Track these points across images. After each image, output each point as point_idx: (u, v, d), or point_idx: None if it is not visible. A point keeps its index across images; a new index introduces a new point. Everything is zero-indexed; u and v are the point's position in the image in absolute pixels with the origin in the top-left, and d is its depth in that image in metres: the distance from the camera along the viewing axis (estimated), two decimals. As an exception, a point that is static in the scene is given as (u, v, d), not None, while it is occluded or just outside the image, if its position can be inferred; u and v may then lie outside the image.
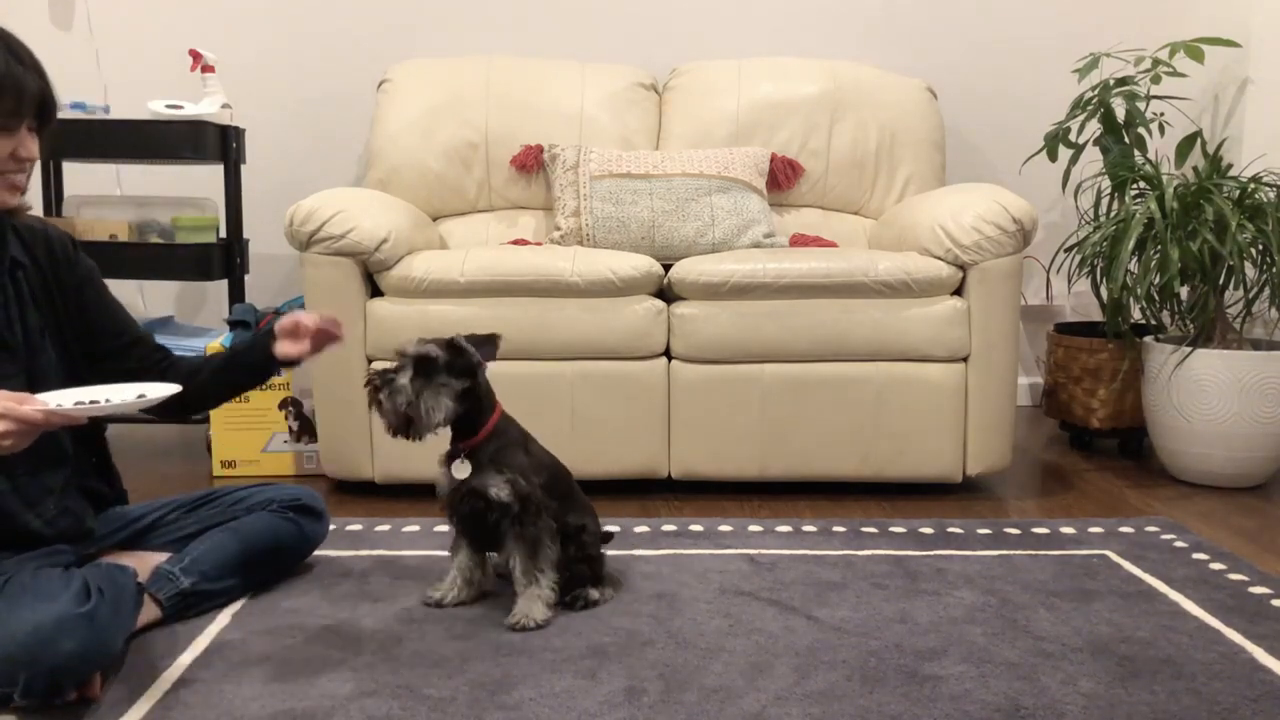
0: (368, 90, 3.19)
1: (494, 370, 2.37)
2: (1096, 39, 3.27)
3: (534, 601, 1.69)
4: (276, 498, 1.86)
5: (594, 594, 1.77)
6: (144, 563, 1.71)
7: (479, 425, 1.72)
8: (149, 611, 1.65)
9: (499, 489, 1.68)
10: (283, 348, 1.70)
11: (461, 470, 1.70)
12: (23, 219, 1.61)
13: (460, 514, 1.75)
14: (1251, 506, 2.39)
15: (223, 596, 1.75)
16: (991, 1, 3.33)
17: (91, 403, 1.47)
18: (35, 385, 1.57)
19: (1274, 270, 2.52)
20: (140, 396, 1.50)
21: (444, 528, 2.19)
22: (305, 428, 2.58)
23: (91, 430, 1.72)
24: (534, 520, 1.69)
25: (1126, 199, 2.74)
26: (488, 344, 1.73)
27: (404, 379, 1.64)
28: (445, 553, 2.03)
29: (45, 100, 1.51)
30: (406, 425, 1.66)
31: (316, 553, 2.00)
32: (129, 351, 1.72)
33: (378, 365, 1.73)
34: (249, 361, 1.76)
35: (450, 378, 1.67)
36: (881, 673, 1.52)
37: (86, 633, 1.36)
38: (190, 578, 1.69)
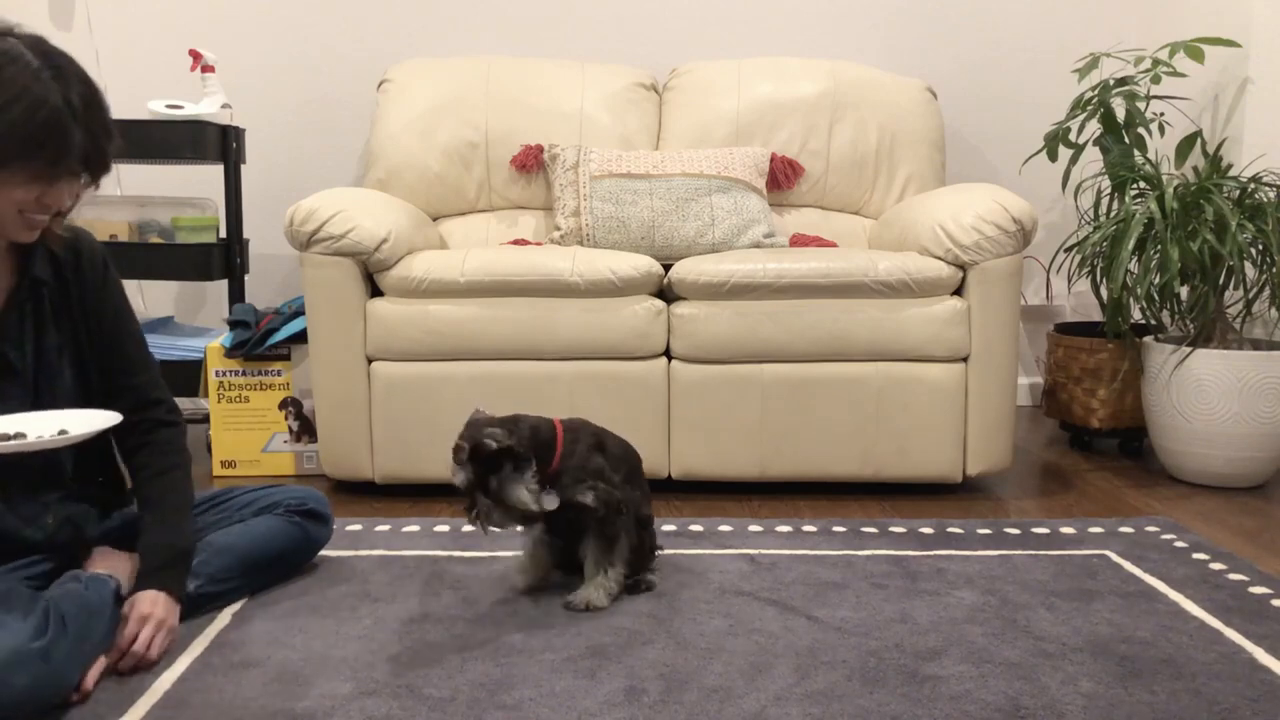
0: (368, 90, 3.19)
1: (493, 370, 2.38)
2: (1096, 39, 3.28)
3: (598, 589, 1.75)
4: (283, 501, 1.85)
5: (653, 579, 1.86)
6: (137, 563, 1.70)
7: (550, 459, 1.74)
8: None
9: (583, 495, 1.73)
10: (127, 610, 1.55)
11: (551, 502, 1.72)
12: (54, 237, 1.56)
13: (552, 523, 1.80)
14: (1251, 506, 2.39)
15: (226, 599, 1.75)
16: (991, 2, 3.33)
17: (16, 436, 1.42)
18: (43, 408, 1.56)
19: (1274, 270, 2.52)
20: (62, 432, 1.44)
21: (444, 528, 2.19)
22: (305, 428, 2.58)
23: (94, 441, 1.71)
24: (615, 519, 1.76)
25: (1126, 199, 2.74)
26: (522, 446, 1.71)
27: (483, 503, 1.67)
28: (444, 552, 2.03)
29: (92, 155, 1.44)
30: (521, 520, 1.72)
31: (319, 552, 2.00)
32: (118, 397, 1.64)
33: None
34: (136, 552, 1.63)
35: (513, 468, 1.68)
36: (881, 673, 1.52)
37: (40, 670, 1.33)
38: (195, 581, 1.68)
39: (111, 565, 1.62)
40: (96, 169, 1.47)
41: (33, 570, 1.55)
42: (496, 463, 1.65)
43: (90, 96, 1.44)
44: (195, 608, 1.69)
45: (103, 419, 1.53)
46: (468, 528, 2.19)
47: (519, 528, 1.77)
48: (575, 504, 1.73)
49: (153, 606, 1.54)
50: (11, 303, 1.55)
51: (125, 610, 1.53)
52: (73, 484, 1.65)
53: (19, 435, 1.44)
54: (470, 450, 1.64)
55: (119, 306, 1.66)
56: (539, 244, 2.80)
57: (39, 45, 1.43)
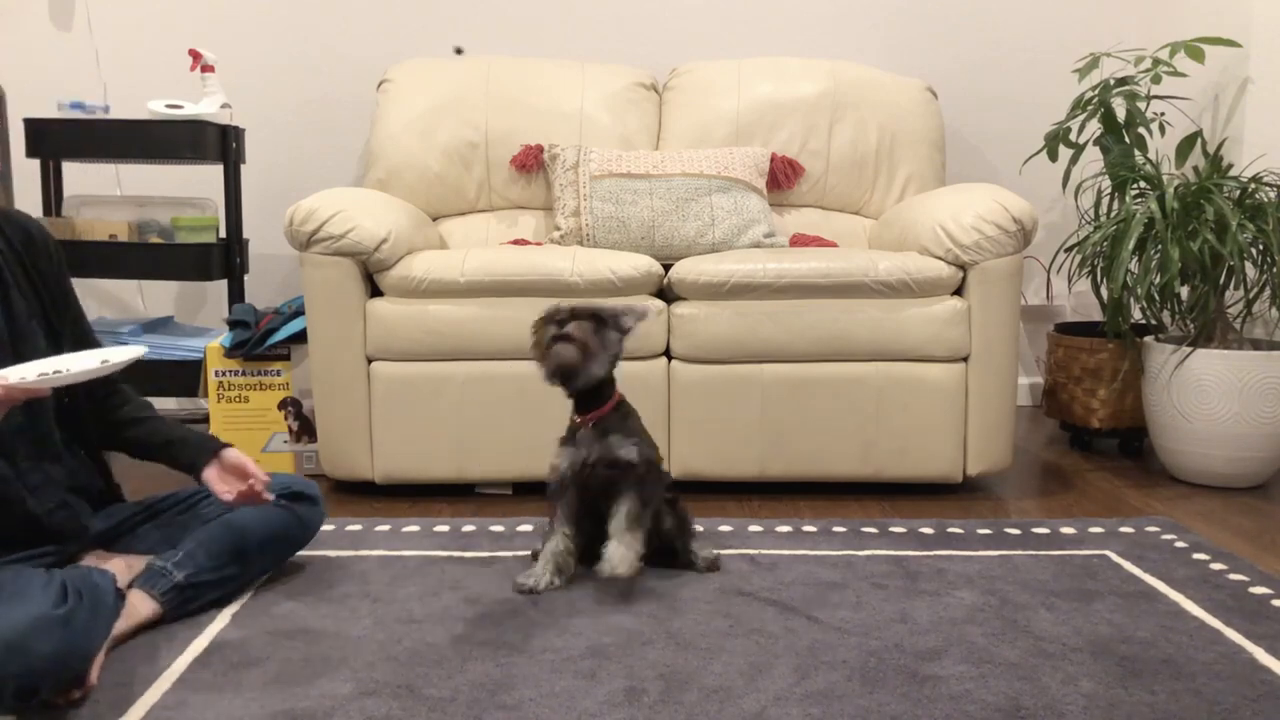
0: (368, 90, 3.19)
1: (493, 370, 2.38)
2: (1096, 39, 3.27)
3: (629, 551, 1.76)
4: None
5: (712, 552, 1.95)
6: (131, 564, 1.71)
7: (605, 398, 1.82)
8: (145, 609, 1.64)
9: (627, 450, 1.78)
10: (211, 478, 1.73)
11: (589, 443, 1.79)
12: (1, 210, 1.63)
13: (591, 487, 1.82)
14: (1251, 506, 2.39)
15: (221, 588, 1.74)
16: (991, 2, 3.33)
17: (55, 373, 1.48)
18: None
19: (1274, 270, 2.52)
20: (104, 362, 1.51)
21: (444, 528, 2.19)
22: (305, 428, 2.58)
23: (77, 431, 1.72)
24: (654, 481, 1.81)
25: (1127, 199, 2.74)
26: (634, 314, 1.83)
27: (580, 331, 1.73)
28: (444, 552, 2.03)
29: None
30: (568, 373, 1.76)
31: (316, 553, 2.00)
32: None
33: (545, 307, 1.81)
34: (178, 457, 1.76)
35: (612, 337, 1.78)
36: (881, 673, 1.52)
37: (63, 635, 1.35)
38: (184, 570, 1.68)
39: (109, 566, 1.63)
40: None
41: (39, 562, 1.56)
42: (601, 325, 1.77)
43: None
44: (190, 600, 1.69)
45: (135, 350, 1.59)
46: (468, 528, 2.19)
47: (564, 384, 1.80)
48: (619, 460, 1.78)
49: (242, 455, 1.74)
50: None
51: (232, 464, 1.72)
52: (68, 472, 1.66)
53: (56, 372, 1.48)
54: (591, 313, 1.75)
55: (65, 272, 1.75)
56: (539, 244, 2.80)
57: None
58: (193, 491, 1.85)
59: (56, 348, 1.67)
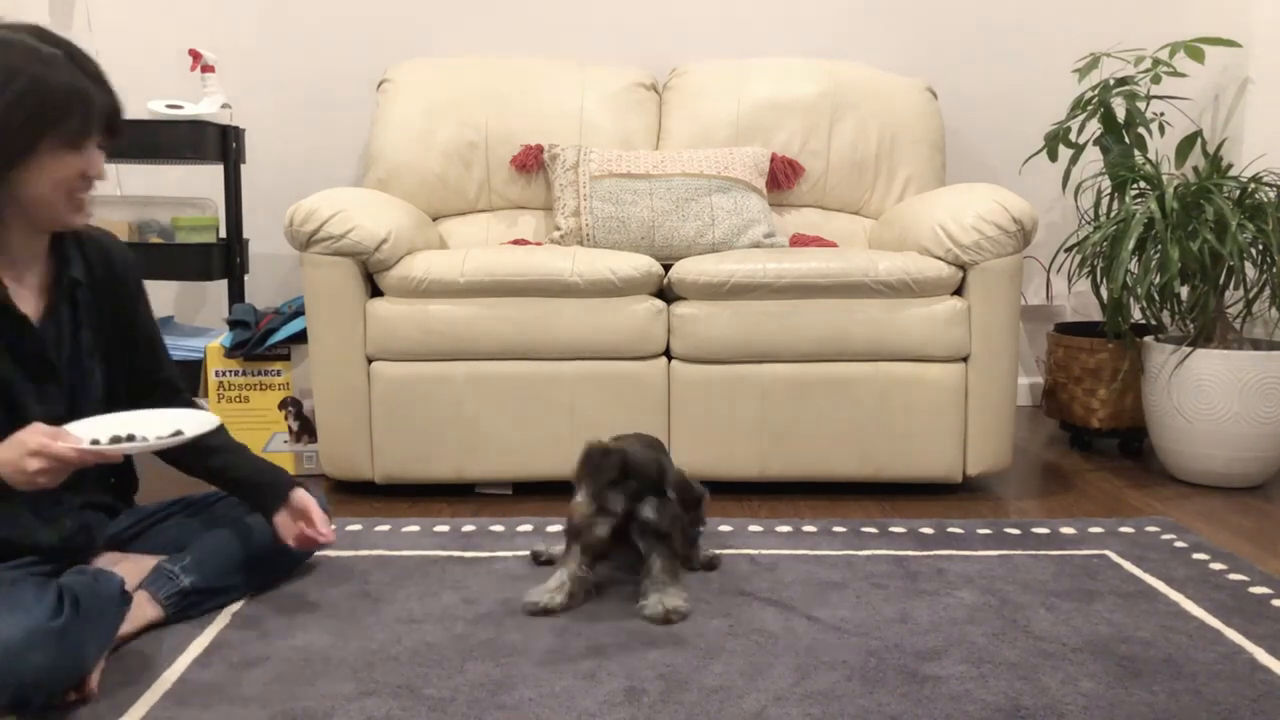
0: (368, 90, 3.19)
1: (493, 370, 2.38)
2: (1096, 39, 3.27)
3: (676, 597, 1.73)
4: None
5: (710, 551, 1.96)
6: (140, 565, 1.71)
7: None
8: (149, 611, 1.64)
9: (653, 514, 1.73)
10: (280, 523, 1.73)
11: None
12: (85, 230, 1.61)
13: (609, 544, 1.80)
14: (1251, 506, 2.39)
15: (224, 595, 1.74)
16: (991, 1, 3.33)
17: (128, 438, 1.44)
18: (76, 408, 1.57)
19: (1274, 270, 2.52)
20: (177, 433, 1.48)
21: (444, 528, 2.19)
22: (305, 428, 2.58)
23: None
24: (679, 534, 1.78)
25: (1126, 199, 2.74)
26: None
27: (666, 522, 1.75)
28: (444, 552, 2.03)
29: (114, 114, 1.49)
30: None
31: (317, 553, 2.00)
32: (153, 392, 1.72)
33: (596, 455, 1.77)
34: (252, 499, 1.75)
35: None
36: (881, 673, 1.52)
37: (56, 647, 1.33)
38: (191, 576, 1.68)
39: (119, 568, 1.63)
40: (118, 130, 1.51)
41: (37, 570, 1.55)
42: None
43: (96, 65, 1.48)
44: (193, 606, 1.69)
45: (210, 420, 1.55)
46: (468, 528, 2.19)
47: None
48: (646, 525, 1.74)
49: (309, 497, 1.72)
50: (49, 304, 1.56)
51: (298, 505, 1.71)
52: (94, 487, 1.66)
53: (130, 437, 1.45)
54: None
55: (147, 306, 1.72)
56: (539, 244, 2.80)
57: (40, 32, 1.46)
58: (209, 492, 1.86)
59: (109, 385, 1.65)
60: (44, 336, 1.54)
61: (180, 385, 1.77)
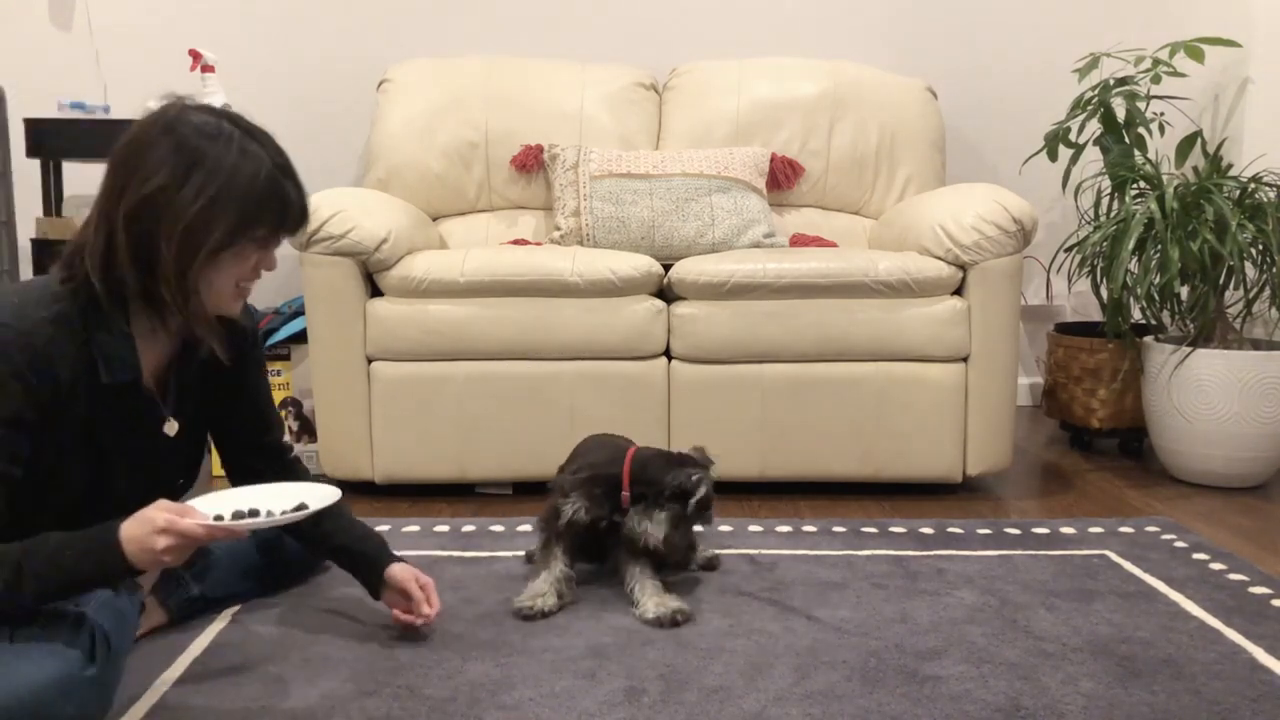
0: (368, 90, 3.19)
1: (493, 370, 2.38)
2: (1096, 39, 3.27)
3: (667, 598, 1.73)
4: None
5: (710, 551, 1.98)
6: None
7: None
8: (156, 616, 1.65)
9: (654, 537, 1.73)
10: (389, 602, 1.65)
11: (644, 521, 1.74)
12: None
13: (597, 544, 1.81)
14: (1251, 506, 2.39)
15: (231, 601, 1.75)
16: (991, 1, 3.33)
17: (251, 513, 1.41)
18: (182, 476, 1.56)
19: (1274, 270, 2.52)
20: (301, 507, 1.44)
21: (444, 528, 2.19)
22: (305, 428, 2.58)
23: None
24: (677, 553, 1.79)
25: (1126, 199, 2.74)
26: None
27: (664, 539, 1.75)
28: (444, 552, 2.03)
29: (303, 214, 1.46)
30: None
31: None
32: (259, 450, 1.68)
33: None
34: (355, 572, 1.68)
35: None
36: (881, 673, 1.52)
37: (90, 696, 1.30)
38: (201, 585, 1.69)
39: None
40: (301, 228, 1.48)
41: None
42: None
43: (286, 157, 1.45)
44: (197, 613, 1.70)
45: (333, 493, 1.49)
46: (468, 528, 2.19)
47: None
48: (647, 546, 1.74)
49: (407, 570, 1.63)
50: (172, 374, 1.52)
51: (395, 574, 1.62)
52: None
53: (254, 512, 1.41)
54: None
55: (261, 369, 1.68)
56: (539, 244, 2.80)
57: (233, 117, 1.42)
58: None
59: (197, 448, 1.61)
60: (161, 413, 1.50)
61: (286, 447, 1.72)
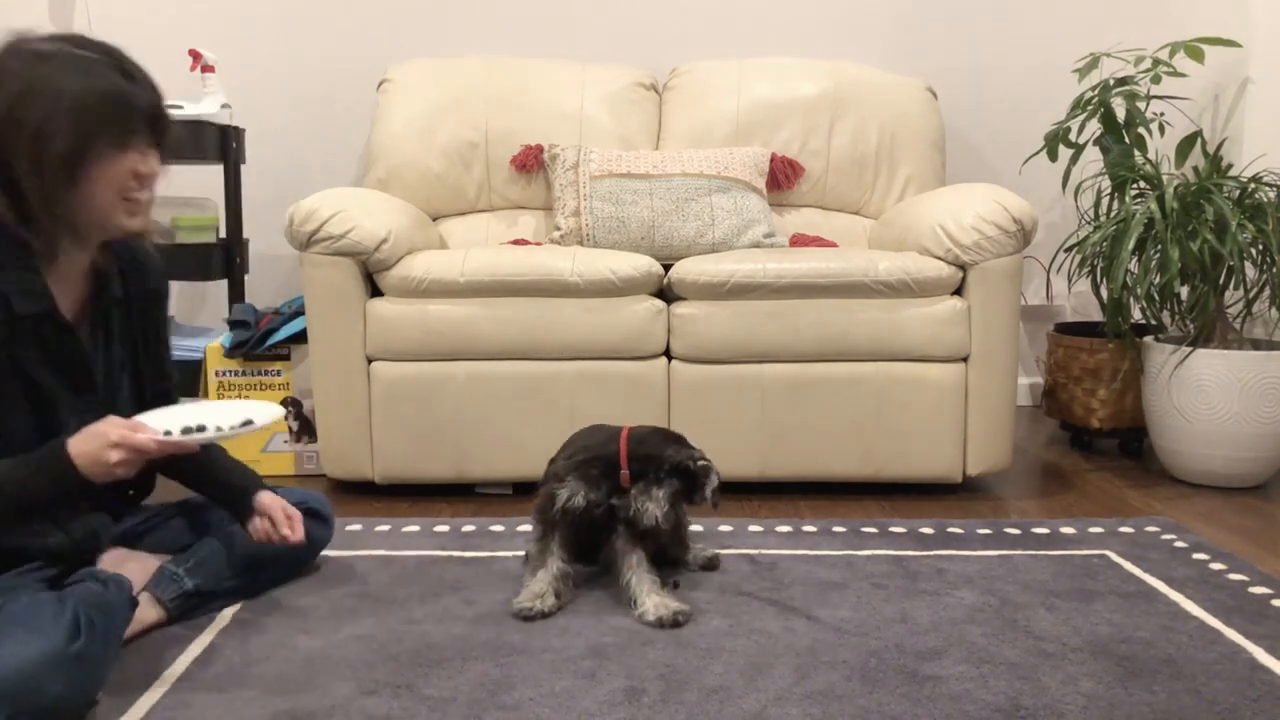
0: (368, 90, 3.19)
1: (493, 370, 2.38)
2: (1096, 39, 3.28)
3: (666, 597, 1.73)
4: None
5: (710, 551, 1.97)
6: (146, 565, 1.70)
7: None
8: (152, 613, 1.65)
9: (654, 514, 1.72)
10: (253, 528, 1.73)
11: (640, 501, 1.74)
12: (127, 244, 1.61)
13: (594, 529, 1.80)
14: (1251, 506, 2.39)
15: (227, 597, 1.75)
16: (991, 1, 3.33)
17: (199, 428, 1.45)
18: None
19: (1274, 270, 2.52)
20: (247, 423, 1.49)
21: (444, 528, 2.19)
22: (305, 428, 2.58)
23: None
24: (674, 533, 1.81)
25: (1126, 199, 2.74)
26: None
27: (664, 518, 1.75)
28: (444, 552, 2.03)
29: (155, 111, 1.50)
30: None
31: (320, 553, 2.00)
32: (155, 399, 1.70)
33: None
34: (223, 501, 1.77)
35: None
36: (881, 673, 1.52)
37: (75, 674, 1.31)
38: (195, 579, 1.69)
39: (125, 567, 1.62)
40: (162, 127, 1.52)
41: (44, 573, 1.54)
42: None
43: (134, 64, 1.50)
44: (194, 607, 1.70)
45: (276, 410, 1.57)
46: (468, 528, 2.19)
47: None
48: (648, 529, 1.73)
49: (275, 499, 1.74)
50: (87, 318, 1.57)
51: (263, 501, 1.72)
52: (110, 492, 1.66)
53: (200, 428, 1.46)
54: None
55: (167, 320, 1.73)
56: (539, 244, 2.80)
57: (78, 39, 1.48)
58: None
59: (137, 394, 1.66)
60: (86, 348, 1.55)
61: (176, 396, 1.78)
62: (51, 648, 1.30)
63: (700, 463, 1.74)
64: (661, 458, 1.73)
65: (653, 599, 1.71)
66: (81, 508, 1.60)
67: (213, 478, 1.75)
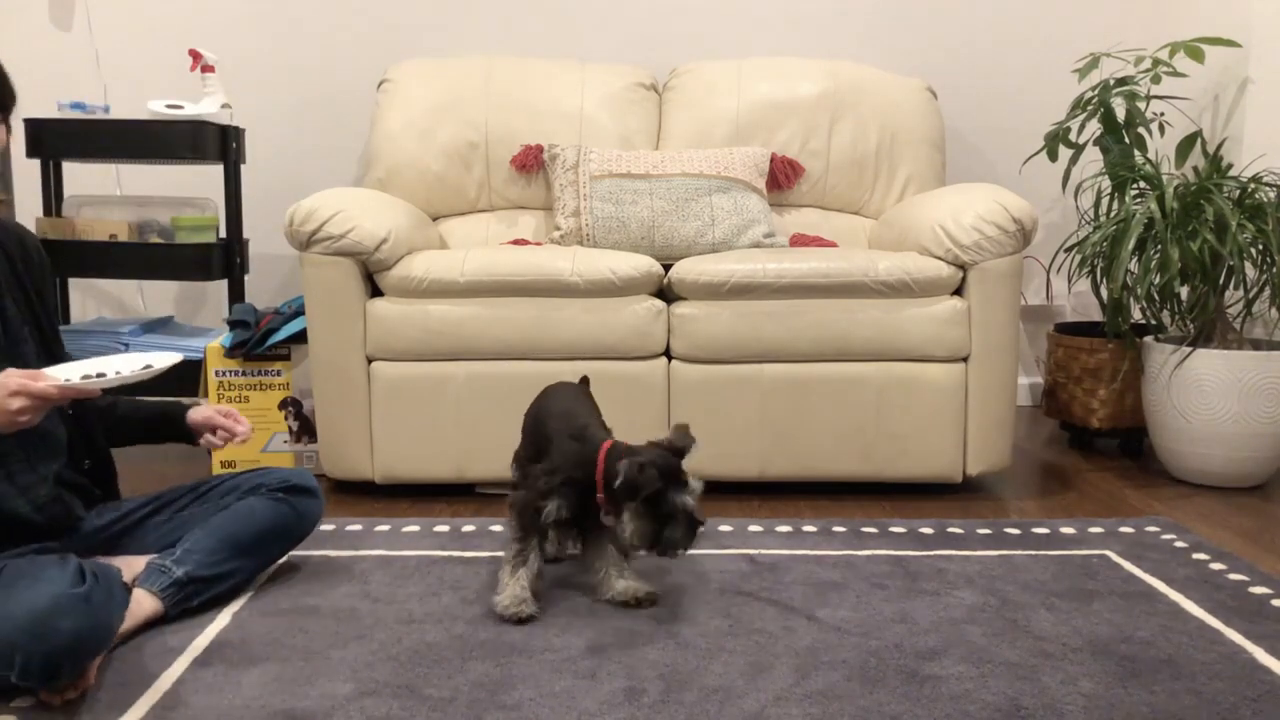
0: (368, 90, 3.19)
1: (493, 370, 2.38)
2: (1096, 39, 3.27)
3: (635, 580, 1.77)
4: (265, 482, 1.84)
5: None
6: (131, 565, 1.71)
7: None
8: (148, 605, 1.64)
9: (622, 533, 1.70)
10: (207, 441, 1.84)
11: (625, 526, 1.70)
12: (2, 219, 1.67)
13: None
14: (1251, 506, 2.39)
15: (221, 583, 1.74)
16: (991, 1, 3.33)
17: (99, 375, 1.51)
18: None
19: (1274, 270, 2.52)
20: (146, 367, 1.56)
21: (444, 528, 2.19)
22: (305, 428, 2.58)
23: (87, 428, 1.74)
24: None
25: (1126, 199, 2.74)
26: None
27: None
28: (444, 552, 2.03)
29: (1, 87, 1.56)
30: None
31: (316, 553, 2.00)
32: (50, 363, 1.73)
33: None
34: (160, 433, 1.86)
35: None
36: (881, 673, 1.52)
37: (84, 612, 1.37)
38: (183, 566, 1.68)
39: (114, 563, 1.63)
40: (8, 99, 1.60)
41: (47, 552, 1.56)
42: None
43: None
44: (192, 594, 1.70)
45: (174, 355, 1.63)
46: (468, 528, 2.19)
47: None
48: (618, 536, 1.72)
49: (205, 410, 1.84)
50: None
51: (196, 418, 1.83)
52: (67, 461, 1.68)
53: (100, 374, 1.52)
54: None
55: (54, 292, 1.83)
56: (539, 244, 2.80)
57: None
58: (196, 484, 1.86)
59: (45, 352, 1.69)
60: None
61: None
62: (60, 590, 1.36)
63: (627, 467, 1.64)
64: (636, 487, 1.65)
65: (622, 582, 1.75)
66: (46, 472, 1.64)
67: (140, 420, 1.85)
